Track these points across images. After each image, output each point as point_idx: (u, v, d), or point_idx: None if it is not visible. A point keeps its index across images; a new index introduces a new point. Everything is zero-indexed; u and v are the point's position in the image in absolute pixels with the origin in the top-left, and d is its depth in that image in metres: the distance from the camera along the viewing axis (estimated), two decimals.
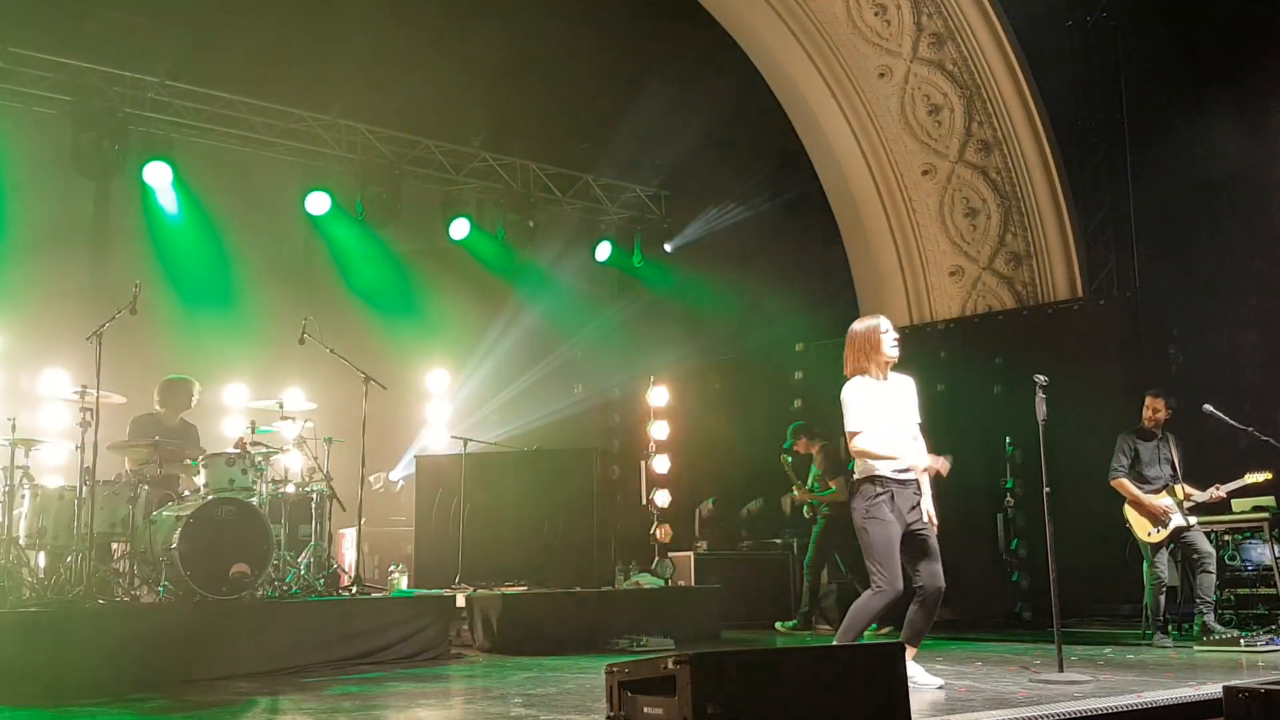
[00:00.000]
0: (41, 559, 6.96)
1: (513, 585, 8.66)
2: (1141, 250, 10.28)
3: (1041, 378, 5.85)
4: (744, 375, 11.99)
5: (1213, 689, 4.77)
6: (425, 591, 7.99)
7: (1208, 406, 7.65)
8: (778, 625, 9.52)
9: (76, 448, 6.87)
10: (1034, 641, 8.07)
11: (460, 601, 7.88)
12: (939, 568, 5.28)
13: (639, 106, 12.34)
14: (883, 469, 5.28)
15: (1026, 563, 9.74)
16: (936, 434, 10.28)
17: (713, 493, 11.32)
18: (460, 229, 11.53)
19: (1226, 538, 7.94)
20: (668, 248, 12.68)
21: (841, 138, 11.62)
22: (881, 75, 11.15)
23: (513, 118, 11.12)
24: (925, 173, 11.38)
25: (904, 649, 3.77)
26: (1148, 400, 7.94)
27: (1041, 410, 5.82)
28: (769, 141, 12.12)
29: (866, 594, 5.20)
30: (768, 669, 3.62)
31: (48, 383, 8.69)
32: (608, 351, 12.52)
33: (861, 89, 11.30)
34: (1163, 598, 7.71)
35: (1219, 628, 7.46)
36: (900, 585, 5.16)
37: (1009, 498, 9.94)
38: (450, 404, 12.26)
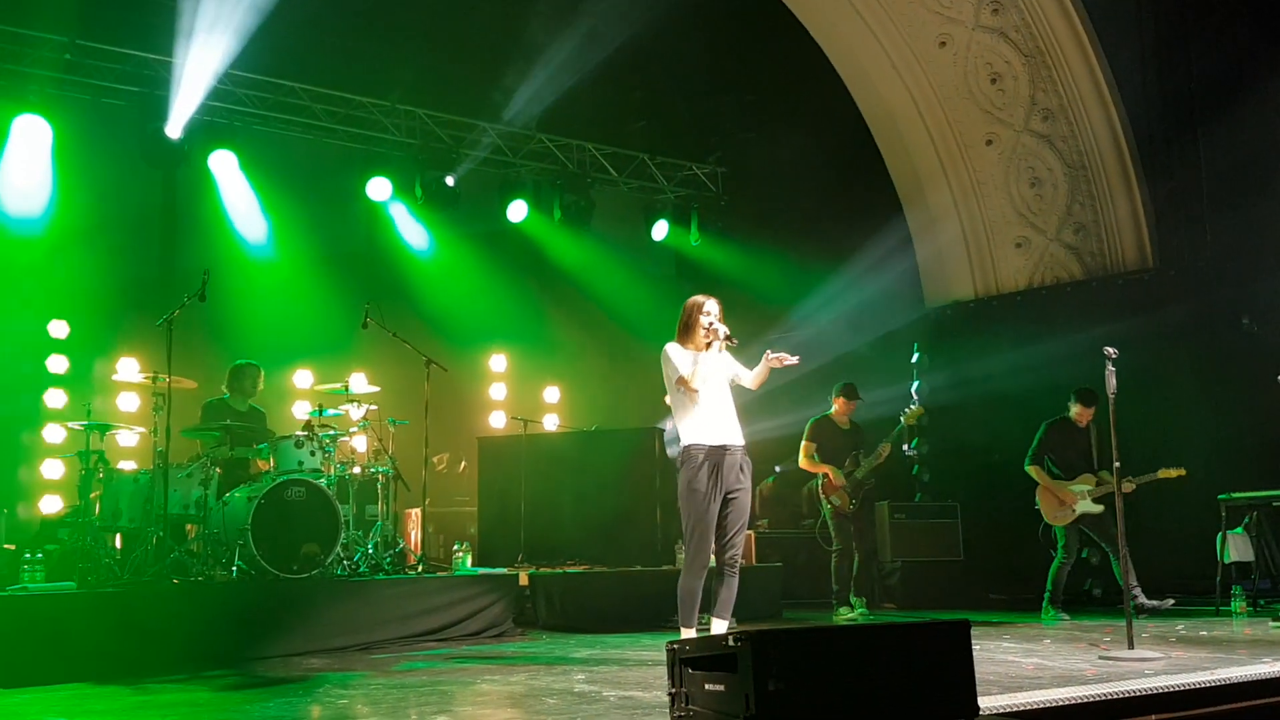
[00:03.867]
0: (118, 541, 7.16)
1: (574, 564, 8.73)
2: (1213, 218, 9.98)
3: (1111, 350, 5.74)
4: (802, 351, 11.87)
5: None
6: (489, 570, 8.09)
7: None
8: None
9: (150, 432, 7.06)
10: (1104, 618, 7.96)
11: (523, 580, 7.96)
12: None
13: (694, 84, 12.26)
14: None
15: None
16: (1005, 408, 10.22)
17: (772, 471, 11.27)
18: (518, 211, 11.58)
19: None
20: (724, 225, 12.60)
21: (902, 108, 11.40)
22: (942, 44, 10.92)
23: (567, 98, 11.11)
24: (989, 142, 11.14)
25: (968, 626, 3.71)
26: (1081, 408, 8.08)
27: (1111, 383, 5.72)
28: (827, 115, 11.95)
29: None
30: (830, 646, 3.60)
31: (121, 369, 8.92)
32: (665, 329, 12.44)
33: (921, 58, 11.07)
34: (1065, 575, 7.95)
35: (1148, 603, 7.71)
36: None
37: None
38: (510, 385, 12.34)
